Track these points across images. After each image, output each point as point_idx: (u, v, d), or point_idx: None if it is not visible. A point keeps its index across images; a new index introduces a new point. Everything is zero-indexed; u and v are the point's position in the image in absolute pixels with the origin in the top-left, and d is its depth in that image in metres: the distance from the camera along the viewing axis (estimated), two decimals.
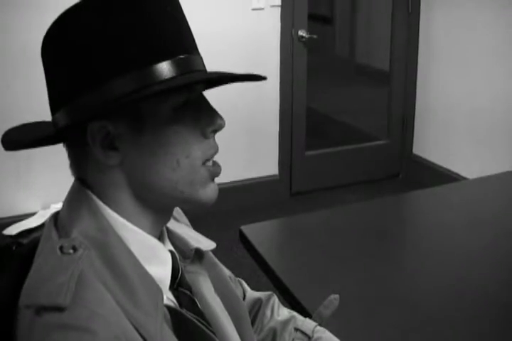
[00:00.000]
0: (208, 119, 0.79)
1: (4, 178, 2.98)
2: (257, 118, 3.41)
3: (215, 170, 0.81)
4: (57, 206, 2.99)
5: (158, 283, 0.77)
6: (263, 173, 3.52)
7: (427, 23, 3.61)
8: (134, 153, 0.76)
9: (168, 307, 0.78)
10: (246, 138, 3.37)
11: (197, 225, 1.05)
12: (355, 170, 3.77)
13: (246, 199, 3.32)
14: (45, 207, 3.03)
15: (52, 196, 3.04)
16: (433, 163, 3.67)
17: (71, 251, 0.72)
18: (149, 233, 0.80)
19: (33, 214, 2.99)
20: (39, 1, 2.81)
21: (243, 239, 1.49)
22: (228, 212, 3.11)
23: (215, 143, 0.81)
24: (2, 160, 2.90)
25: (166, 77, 0.75)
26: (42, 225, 2.88)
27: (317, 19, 3.83)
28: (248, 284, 1.13)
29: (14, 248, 3.05)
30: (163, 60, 0.75)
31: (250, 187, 3.44)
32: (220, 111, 0.81)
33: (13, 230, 2.85)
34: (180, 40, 0.78)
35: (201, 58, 0.81)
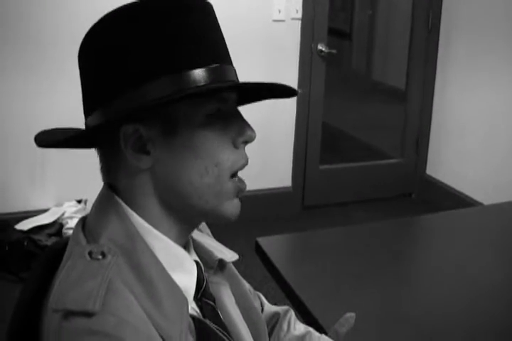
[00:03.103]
0: (239, 129, 0.80)
1: (20, 174, 3.00)
2: (273, 130, 3.41)
3: (241, 186, 0.82)
4: (70, 204, 3.03)
5: (184, 292, 0.78)
6: (276, 184, 3.52)
7: (446, 42, 3.59)
8: (165, 157, 0.77)
9: (193, 317, 0.79)
10: (261, 148, 3.37)
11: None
12: (367, 186, 3.76)
13: (258, 209, 3.29)
14: (58, 205, 3.04)
15: (66, 194, 3.07)
16: (446, 185, 3.63)
17: (100, 256, 0.73)
18: (175, 241, 0.80)
19: (45, 211, 3.00)
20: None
21: (259, 250, 1.49)
22: (240, 221, 3.10)
23: (245, 154, 0.82)
24: (18, 157, 2.92)
25: (200, 84, 0.76)
26: (53, 222, 2.91)
27: (335, 33, 3.82)
28: None
29: (25, 243, 3.05)
30: (198, 67, 0.76)
31: (263, 197, 3.42)
32: None
33: (25, 225, 2.87)
34: (215, 50, 0.79)
35: (234, 69, 0.82)
